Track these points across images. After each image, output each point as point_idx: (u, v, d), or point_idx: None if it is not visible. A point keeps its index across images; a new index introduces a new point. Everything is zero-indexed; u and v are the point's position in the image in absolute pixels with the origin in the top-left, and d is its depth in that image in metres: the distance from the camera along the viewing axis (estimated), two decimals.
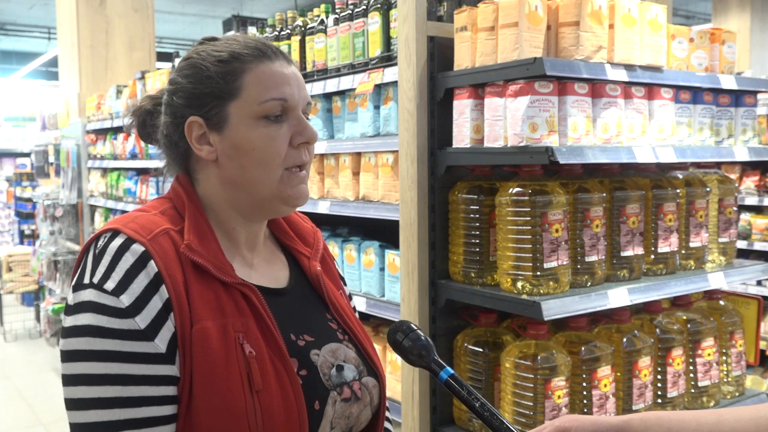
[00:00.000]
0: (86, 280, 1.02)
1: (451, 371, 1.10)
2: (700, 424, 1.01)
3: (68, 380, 1.01)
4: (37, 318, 7.51)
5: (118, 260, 1.02)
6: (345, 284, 1.38)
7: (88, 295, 1.01)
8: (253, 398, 1.02)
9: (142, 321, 1.00)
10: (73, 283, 1.05)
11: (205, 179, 1.17)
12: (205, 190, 1.17)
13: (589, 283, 2.06)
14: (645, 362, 2.13)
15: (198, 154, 1.15)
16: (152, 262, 1.03)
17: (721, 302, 2.48)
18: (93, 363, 0.98)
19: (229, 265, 1.10)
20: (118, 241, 1.04)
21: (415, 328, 1.15)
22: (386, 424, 1.30)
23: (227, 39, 1.17)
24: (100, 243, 1.06)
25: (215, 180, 1.15)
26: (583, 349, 2.03)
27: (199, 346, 1.02)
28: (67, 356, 1.01)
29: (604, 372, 2.03)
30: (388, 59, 2.40)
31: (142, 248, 1.03)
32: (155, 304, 1.01)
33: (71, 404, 1.00)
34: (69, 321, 1.02)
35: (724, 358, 2.42)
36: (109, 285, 1.00)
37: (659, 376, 2.22)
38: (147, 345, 1.00)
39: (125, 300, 1.00)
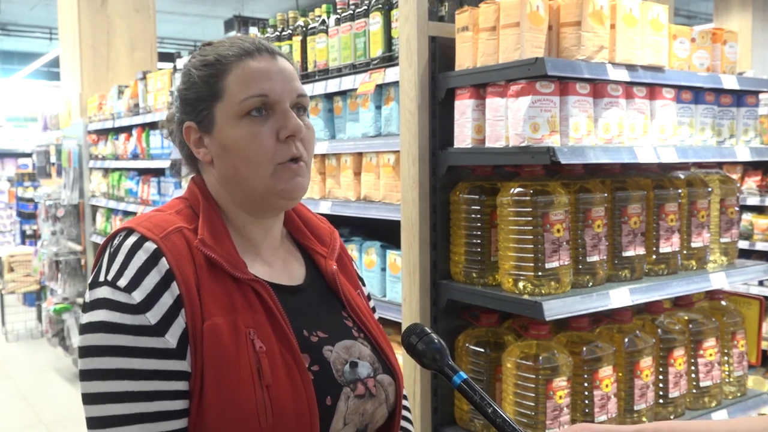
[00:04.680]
0: (101, 278, 1.05)
1: (465, 376, 1.09)
2: None
3: (84, 375, 1.03)
4: (39, 318, 7.51)
5: (131, 258, 1.05)
6: (363, 284, 1.39)
7: (103, 292, 1.04)
8: (263, 393, 1.03)
9: (152, 317, 1.02)
10: (90, 280, 1.08)
11: (209, 180, 1.20)
12: (211, 190, 1.20)
13: (591, 284, 2.06)
14: (646, 362, 2.12)
15: (197, 156, 1.19)
16: (164, 259, 1.05)
17: (723, 302, 2.47)
18: (106, 358, 1.01)
19: (242, 261, 1.12)
20: (131, 240, 1.07)
21: (429, 331, 1.14)
22: (406, 424, 1.30)
23: (218, 42, 1.20)
24: (116, 242, 1.09)
25: (215, 180, 1.19)
26: (584, 349, 2.02)
27: (209, 342, 1.03)
28: (83, 352, 1.03)
29: (606, 372, 2.03)
30: (389, 59, 2.40)
31: (154, 246, 1.06)
32: (166, 300, 1.03)
33: (87, 398, 1.03)
34: (85, 318, 1.05)
35: (726, 358, 2.41)
36: (122, 282, 1.03)
37: (661, 377, 2.22)
38: (157, 340, 1.02)
39: (137, 296, 1.02)
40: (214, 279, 1.08)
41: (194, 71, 1.16)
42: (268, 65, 1.15)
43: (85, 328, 1.03)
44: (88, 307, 1.05)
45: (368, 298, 1.39)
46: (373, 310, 1.38)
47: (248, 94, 1.12)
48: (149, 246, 1.06)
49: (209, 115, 1.15)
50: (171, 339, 1.02)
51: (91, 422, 1.02)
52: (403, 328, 2.29)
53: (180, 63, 4.41)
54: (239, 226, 1.19)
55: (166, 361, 1.02)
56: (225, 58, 1.15)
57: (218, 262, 1.09)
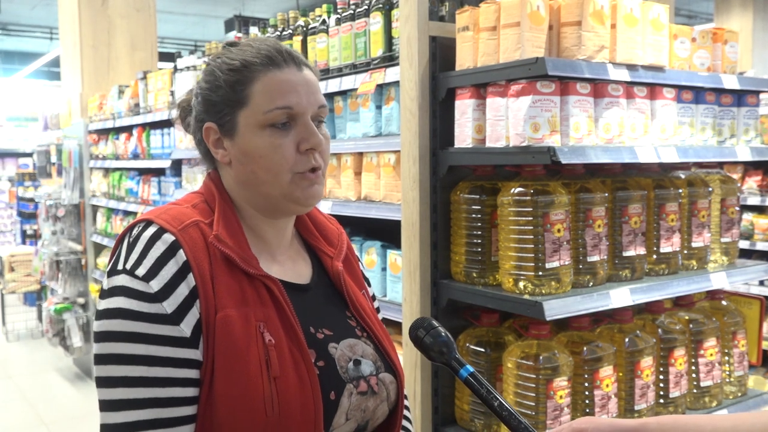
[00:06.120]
0: (120, 266, 1.08)
1: (471, 369, 1.11)
2: (716, 428, 1.00)
3: (99, 359, 1.06)
4: (39, 318, 7.51)
5: (149, 248, 1.08)
6: (369, 285, 1.42)
7: (121, 280, 1.07)
8: (270, 385, 1.06)
9: (169, 306, 1.05)
10: (108, 268, 1.11)
11: (226, 179, 1.22)
12: (227, 188, 1.22)
13: (591, 283, 2.06)
14: (647, 362, 2.12)
15: (215, 157, 1.21)
16: (181, 251, 1.08)
17: (724, 302, 2.47)
18: (121, 344, 1.03)
19: (255, 258, 1.15)
20: (150, 231, 1.10)
21: (437, 325, 1.16)
22: (405, 423, 1.31)
23: (243, 45, 1.21)
24: (135, 232, 1.12)
25: (232, 180, 1.21)
26: (585, 349, 2.02)
27: (221, 333, 1.06)
28: (99, 337, 1.06)
29: (606, 372, 2.03)
30: (389, 59, 2.40)
31: (173, 238, 1.09)
32: (182, 290, 1.06)
33: (100, 382, 1.06)
34: (102, 304, 1.07)
35: (727, 358, 2.41)
36: (140, 271, 1.06)
37: (661, 377, 2.22)
38: (173, 329, 1.05)
39: (154, 285, 1.05)
40: (227, 272, 1.11)
41: (220, 74, 1.17)
42: (294, 77, 1.16)
43: (102, 314, 1.06)
44: (105, 294, 1.07)
45: (373, 298, 1.41)
46: (378, 310, 1.41)
47: (274, 106, 1.14)
48: (168, 237, 1.08)
49: (232, 120, 1.17)
50: (185, 328, 1.05)
51: (104, 405, 1.05)
52: (404, 328, 2.29)
53: (180, 63, 4.41)
54: (253, 225, 1.21)
55: (180, 349, 1.05)
56: (252, 65, 1.16)
57: (232, 257, 1.11)
